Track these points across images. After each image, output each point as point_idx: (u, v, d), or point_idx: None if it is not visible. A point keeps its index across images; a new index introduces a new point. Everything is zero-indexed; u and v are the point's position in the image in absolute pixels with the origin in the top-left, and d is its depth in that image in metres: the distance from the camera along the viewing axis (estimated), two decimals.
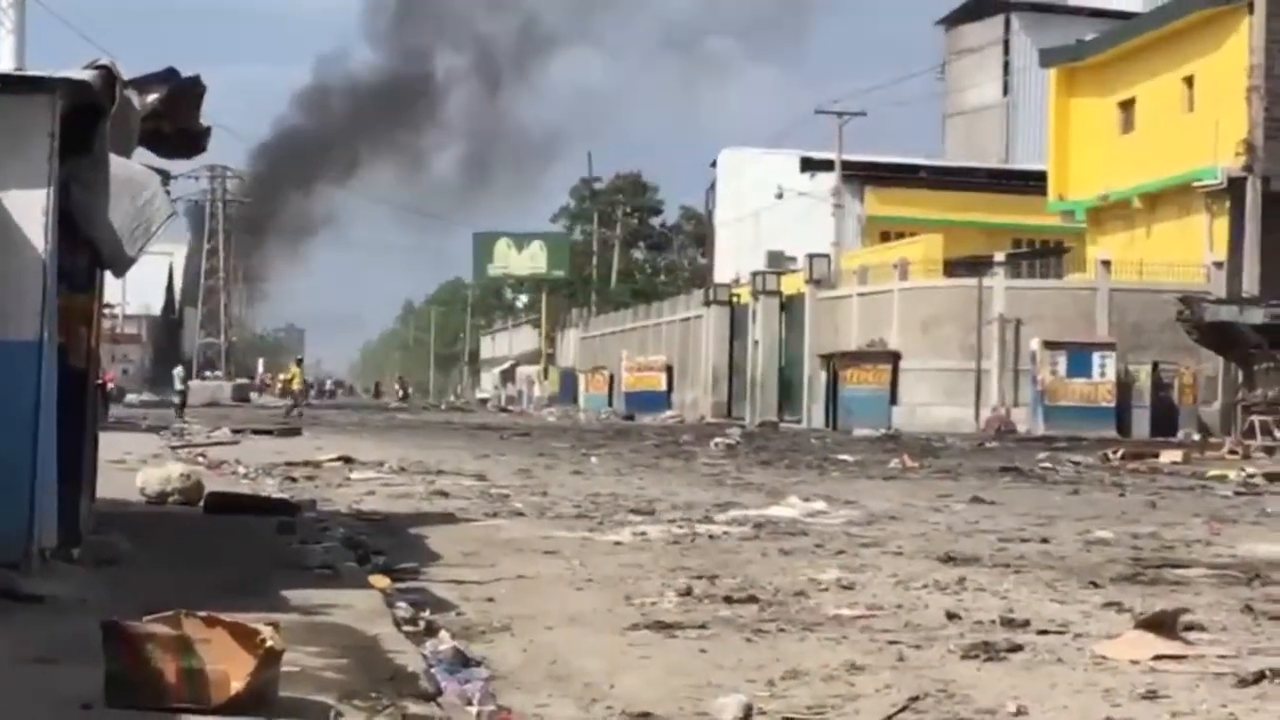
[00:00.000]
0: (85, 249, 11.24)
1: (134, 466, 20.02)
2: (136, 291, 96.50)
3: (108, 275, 12.55)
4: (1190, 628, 9.59)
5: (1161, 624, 9.26)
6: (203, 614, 6.54)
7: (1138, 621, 9.58)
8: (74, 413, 11.06)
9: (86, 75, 10.02)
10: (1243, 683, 7.94)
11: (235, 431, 39.70)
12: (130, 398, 73.84)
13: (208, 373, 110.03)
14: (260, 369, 59.05)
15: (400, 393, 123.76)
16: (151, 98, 11.61)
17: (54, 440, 10.12)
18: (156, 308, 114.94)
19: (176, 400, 59.38)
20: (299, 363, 72.18)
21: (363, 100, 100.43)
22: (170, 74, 11.90)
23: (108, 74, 10.10)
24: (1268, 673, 8.08)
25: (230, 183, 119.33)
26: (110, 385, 61.99)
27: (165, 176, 12.13)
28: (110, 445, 18.86)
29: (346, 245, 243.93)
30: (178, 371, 63.08)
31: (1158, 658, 8.58)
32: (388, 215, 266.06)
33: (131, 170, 11.01)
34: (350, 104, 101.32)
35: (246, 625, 6.51)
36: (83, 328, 11.67)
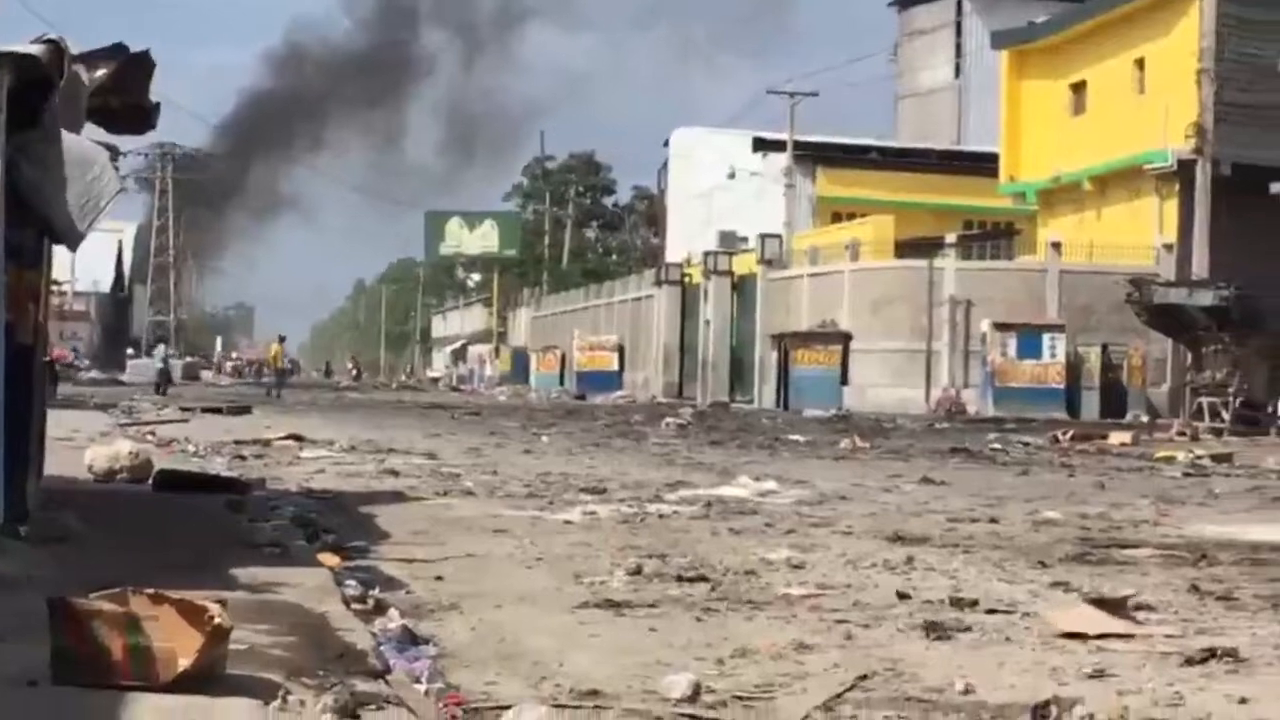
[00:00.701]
0: (33, 225, 11.16)
1: (82, 444, 19.92)
2: (85, 268, 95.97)
3: (56, 251, 12.48)
4: (1138, 607, 9.64)
5: (1111, 603, 9.30)
6: (150, 591, 6.52)
7: (1087, 599, 9.63)
8: (21, 390, 10.99)
9: (34, 49, 9.96)
10: (1189, 662, 7.98)
11: (185, 410, 39.53)
12: (79, 375, 73.39)
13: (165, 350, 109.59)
14: (218, 347, 58.03)
15: (353, 371, 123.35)
16: (100, 73, 11.54)
17: (0, 417, 10.06)
18: (105, 285, 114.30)
19: (157, 378, 59.35)
20: (281, 340, 71.27)
21: (335, 66, 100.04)
22: (119, 49, 11.82)
23: (55, 48, 10.04)
24: (1218, 651, 8.12)
25: (184, 158, 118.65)
26: (64, 362, 61.78)
27: (114, 152, 12.06)
28: (58, 423, 18.77)
29: (304, 224, 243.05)
30: (159, 350, 62.64)
31: (1105, 635, 8.62)
32: (350, 196, 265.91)
33: (80, 145, 10.94)
34: (322, 70, 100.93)
35: (194, 603, 6.49)
36: (30, 304, 11.59)
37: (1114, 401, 50.30)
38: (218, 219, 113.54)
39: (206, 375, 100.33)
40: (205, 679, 6.36)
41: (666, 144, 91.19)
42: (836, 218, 70.36)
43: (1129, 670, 7.89)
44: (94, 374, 78.86)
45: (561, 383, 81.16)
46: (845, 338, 54.66)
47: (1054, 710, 6.72)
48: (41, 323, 12.37)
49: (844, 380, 54.17)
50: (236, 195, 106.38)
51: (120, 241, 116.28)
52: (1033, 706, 6.80)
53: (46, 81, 10.13)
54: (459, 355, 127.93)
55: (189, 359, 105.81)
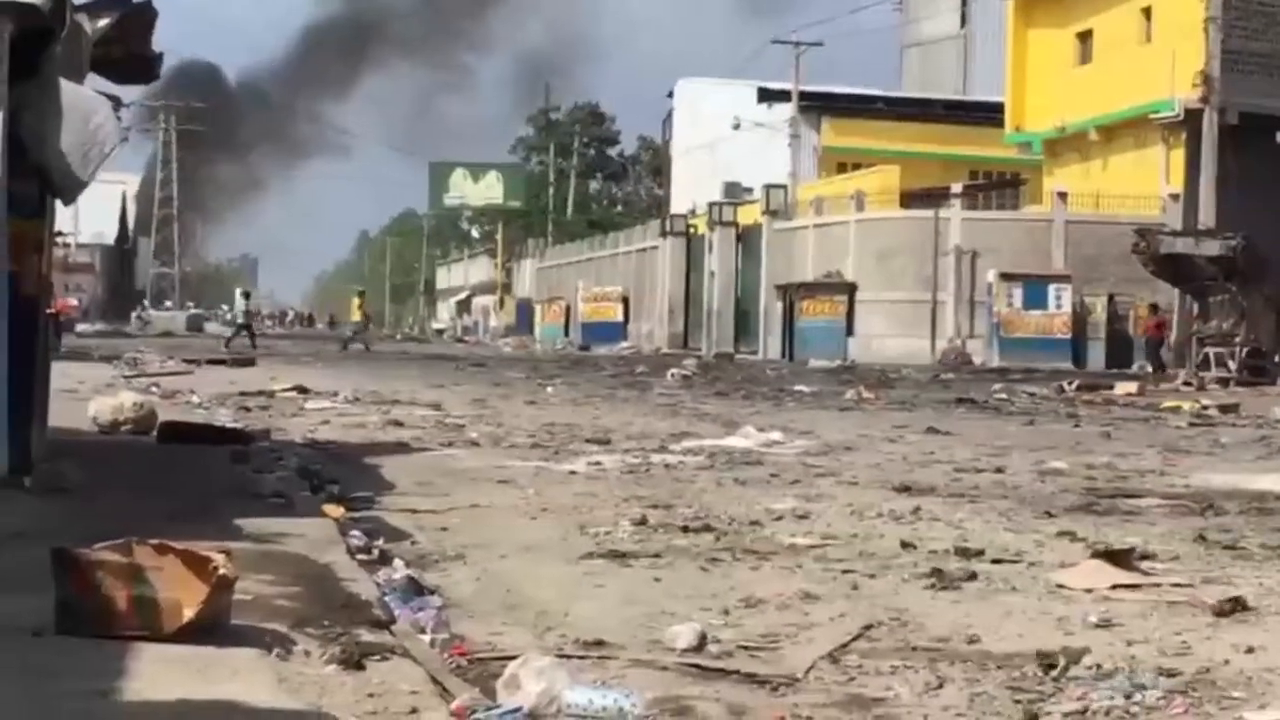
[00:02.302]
0: (35, 175, 11.12)
1: (87, 396, 19.90)
2: (89, 221, 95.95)
3: (59, 203, 12.45)
4: (1144, 557, 9.62)
5: (1118, 554, 9.29)
6: (154, 542, 6.50)
7: (1094, 551, 9.61)
8: (25, 341, 10.98)
9: None
10: (1219, 613, 7.94)
11: (189, 361, 39.51)
12: (82, 327, 73.36)
13: (168, 303, 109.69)
14: (240, 301, 56.75)
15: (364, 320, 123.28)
16: (102, 23, 11.49)
17: (4, 368, 10.05)
18: (109, 237, 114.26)
19: (232, 331, 59.15)
20: (361, 294, 70.23)
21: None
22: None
23: None
24: (1242, 601, 8.11)
25: (187, 110, 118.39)
26: (67, 313, 61.72)
27: (116, 103, 12.02)
28: (62, 375, 18.75)
29: (320, 173, 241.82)
30: (240, 302, 61.96)
31: (1114, 587, 8.60)
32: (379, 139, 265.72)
33: (81, 95, 10.89)
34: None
35: (198, 553, 6.47)
36: (34, 255, 11.56)
37: (1120, 352, 50.26)
38: (239, 166, 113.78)
39: (210, 326, 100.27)
40: (210, 629, 6.35)
41: (671, 95, 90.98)
42: (841, 168, 70.28)
43: (1135, 620, 7.87)
44: (99, 325, 78.87)
45: (566, 334, 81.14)
46: (850, 288, 54.62)
47: (1061, 660, 6.71)
48: (45, 274, 12.35)
49: (849, 331, 54.17)
50: (267, 138, 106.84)
51: (124, 194, 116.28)
52: (1039, 656, 6.79)
53: (48, 31, 10.09)
54: (463, 307, 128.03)
55: (193, 311, 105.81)
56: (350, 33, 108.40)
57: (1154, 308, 48.86)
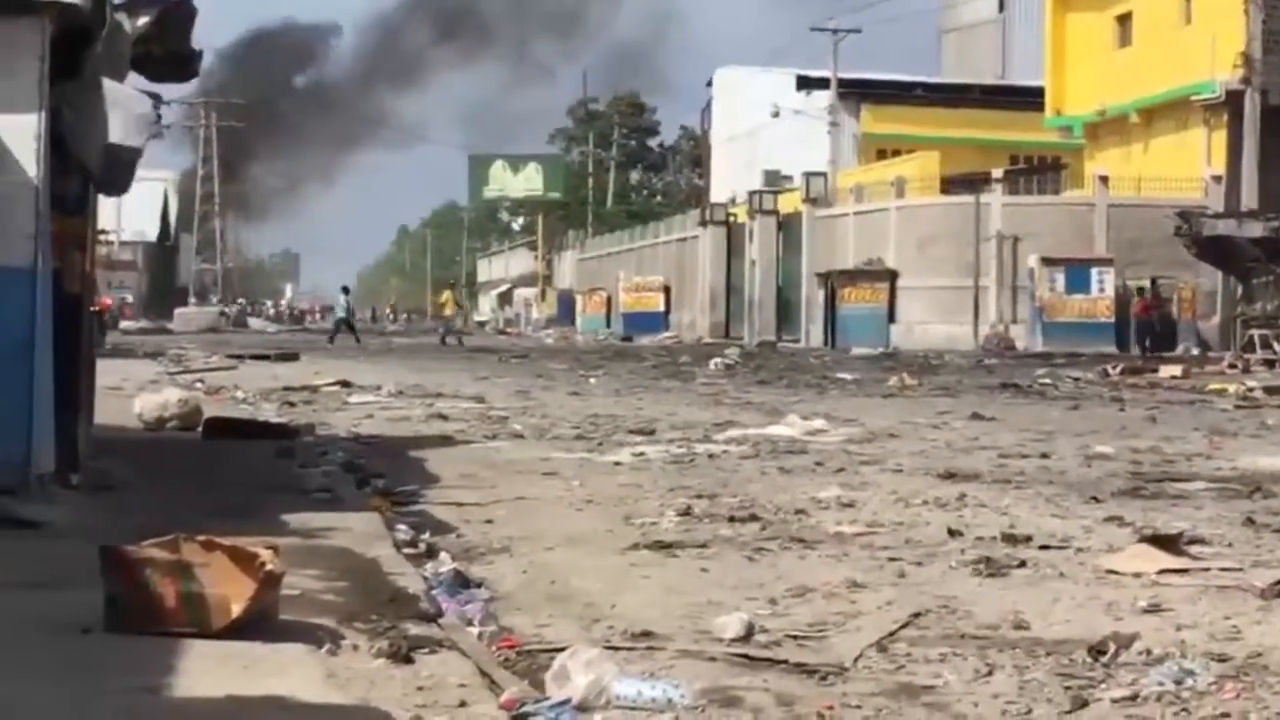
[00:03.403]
0: (77, 173, 11.17)
1: (132, 393, 19.98)
2: (131, 218, 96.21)
3: (101, 201, 12.49)
4: (1192, 541, 9.58)
5: (1165, 539, 9.25)
6: (201, 538, 6.52)
7: (1141, 536, 9.57)
8: (70, 339, 11.02)
9: None
10: (1268, 597, 7.89)
11: (233, 357, 39.61)
12: (125, 324, 73.61)
13: (213, 299, 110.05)
14: (341, 298, 56.70)
15: (391, 315, 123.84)
16: (142, 20, 11.52)
17: (50, 366, 10.09)
18: (151, 234, 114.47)
19: (334, 327, 59.99)
20: (452, 286, 70.76)
21: None
22: None
23: None
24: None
25: (227, 106, 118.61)
26: (110, 310, 61.94)
27: (157, 100, 12.05)
28: (107, 371, 18.82)
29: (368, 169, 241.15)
30: (342, 299, 62.75)
31: (1162, 572, 8.56)
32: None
33: (122, 93, 10.92)
34: None
35: (246, 549, 6.49)
36: (77, 253, 11.61)
37: (1164, 335, 50.03)
38: (286, 160, 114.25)
39: (254, 323, 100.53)
40: (258, 625, 6.37)
41: (710, 84, 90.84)
42: (881, 155, 70.06)
43: (1184, 604, 7.84)
44: (142, 323, 79.10)
45: (608, 324, 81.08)
46: (892, 275, 54.48)
47: (1111, 646, 6.68)
48: (89, 271, 12.40)
49: (891, 318, 54.04)
50: (322, 130, 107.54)
51: (165, 190, 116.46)
52: (1090, 642, 6.76)
53: (88, 30, 10.12)
54: (505, 299, 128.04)
55: (238, 307, 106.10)
56: (440, 18, 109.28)
57: (1142, 290, 48.39)
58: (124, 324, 72.26)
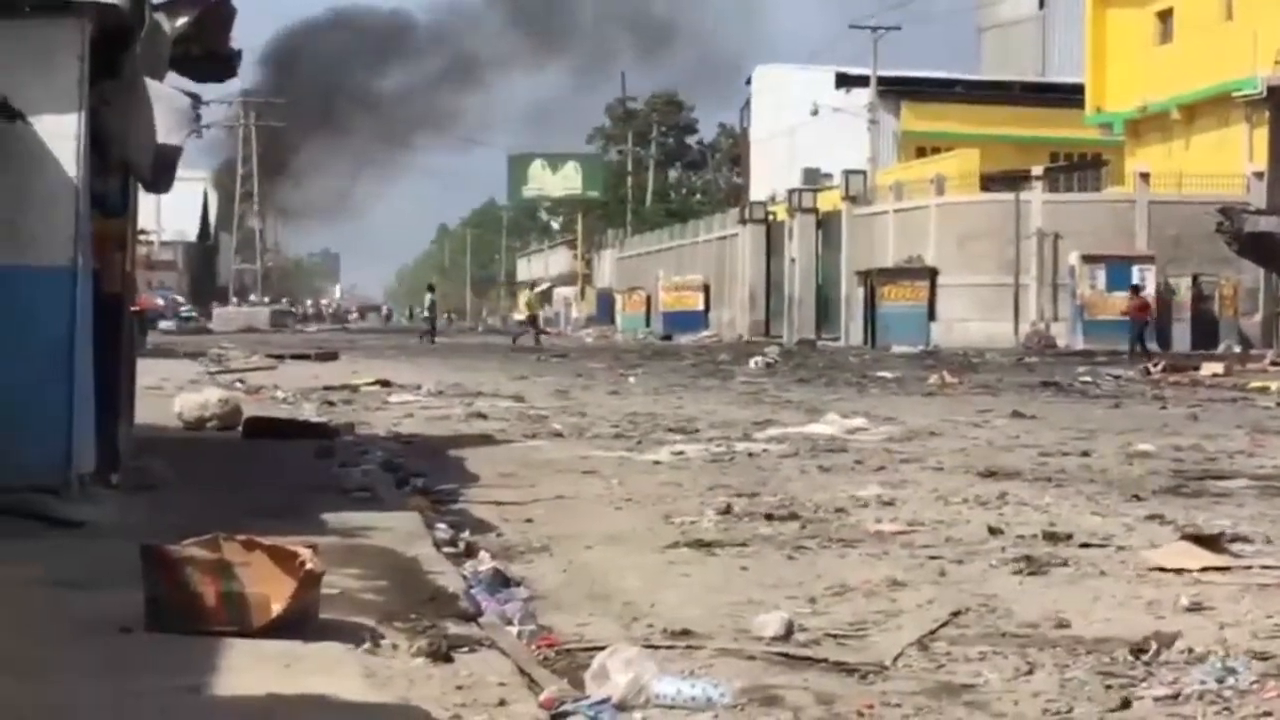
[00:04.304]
0: (117, 173, 11.20)
1: (172, 393, 20.04)
2: (171, 217, 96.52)
3: (141, 200, 12.53)
4: (1234, 539, 9.53)
5: (1207, 537, 9.21)
6: (242, 537, 6.54)
7: (1183, 534, 9.53)
8: (110, 339, 11.05)
9: None
10: None
11: (273, 356, 39.70)
12: (165, 324, 73.77)
13: (253, 297, 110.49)
14: (427, 297, 57.22)
15: (427, 315, 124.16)
16: (181, 20, 11.55)
17: (91, 366, 10.12)
18: (191, 234, 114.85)
19: (430, 325, 60.95)
20: (533, 287, 71.33)
21: None
22: None
23: None
24: None
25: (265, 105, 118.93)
26: (152, 311, 62.18)
27: (196, 100, 12.08)
28: (147, 371, 18.88)
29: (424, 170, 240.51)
30: (428, 298, 63.77)
31: (1204, 570, 8.52)
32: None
33: (162, 93, 10.95)
34: None
35: (286, 548, 6.50)
36: (117, 253, 11.65)
37: (1206, 332, 49.83)
38: (339, 157, 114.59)
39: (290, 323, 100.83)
40: (298, 624, 6.38)
41: (749, 82, 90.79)
42: (921, 152, 69.95)
43: (1227, 603, 7.80)
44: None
45: (647, 323, 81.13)
46: (932, 273, 54.38)
47: (1153, 645, 6.65)
48: (129, 271, 12.43)
49: (931, 316, 53.94)
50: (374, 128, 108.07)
51: (205, 190, 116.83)
52: (1132, 644, 6.73)
53: (128, 30, 10.14)
54: (544, 298, 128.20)
55: (276, 306, 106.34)
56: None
57: (1135, 289, 47.97)
58: (162, 324, 72.41)
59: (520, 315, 68.16)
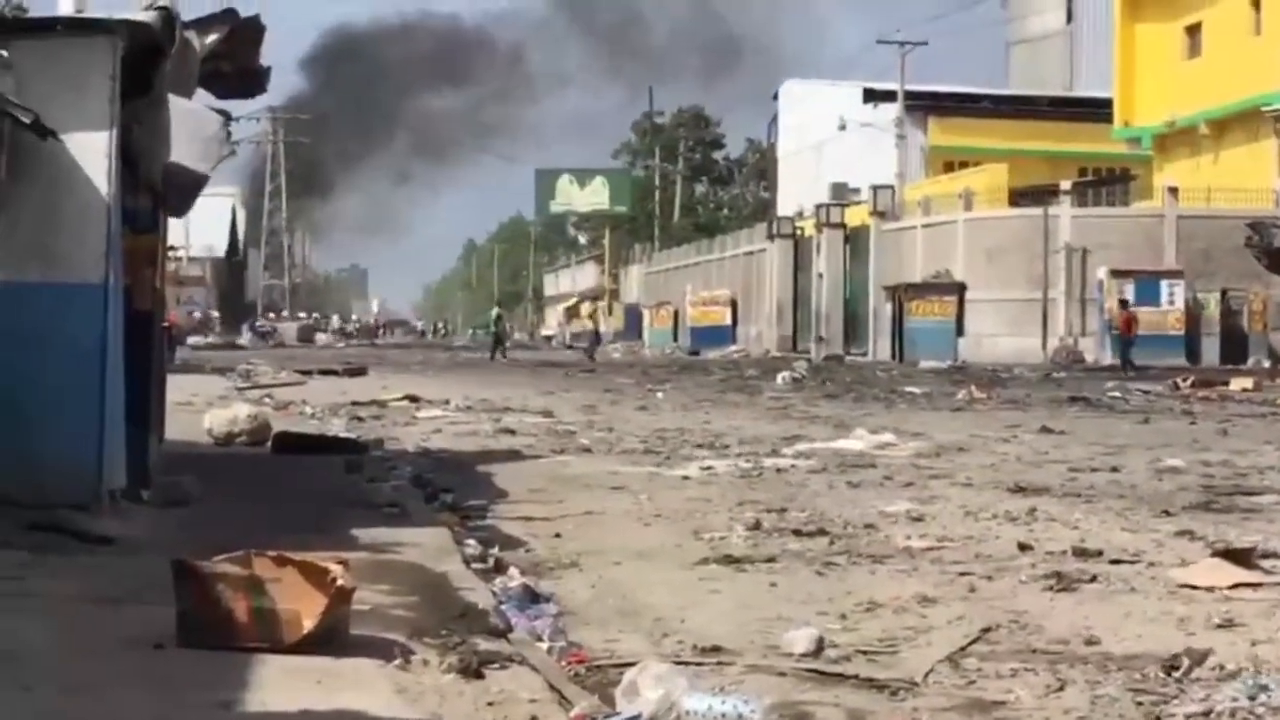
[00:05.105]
0: (148, 190, 11.24)
1: (201, 408, 20.09)
2: (199, 233, 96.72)
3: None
4: (1266, 555, 9.50)
5: (1238, 553, 9.18)
6: (272, 553, 6.55)
7: (1214, 550, 9.50)
8: (140, 354, 11.08)
9: (146, 16, 10.01)
10: None
11: (301, 372, 39.74)
12: (194, 340, 73.84)
13: (285, 313, 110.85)
14: (375, 307, 58.34)
15: (442, 331, 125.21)
16: (211, 38, 11.60)
17: (121, 382, 10.15)
18: (219, 250, 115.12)
19: (496, 341, 61.44)
20: (594, 300, 71.83)
21: None
22: (229, 14, 11.89)
23: (167, 14, 10.10)
24: None
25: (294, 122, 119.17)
26: (180, 327, 62.37)
27: (226, 117, 12.12)
28: (177, 387, 18.93)
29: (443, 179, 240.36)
30: (493, 312, 64.53)
31: (1235, 586, 8.50)
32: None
33: (192, 110, 10.99)
34: None
35: (316, 564, 6.51)
36: (147, 269, 11.69)
37: (1235, 347, 49.68)
38: (372, 171, 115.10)
39: (320, 338, 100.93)
40: (329, 640, 6.39)
41: (776, 97, 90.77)
42: (949, 167, 69.83)
43: (1258, 619, 7.78)
44: (210, 338, 79.42)
45: (675, 338, 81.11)
46: (960, 288, 54.29)
47: (1184, 661, 6.63)
48: (159, 288, 12.47)
49: (959, 331, 53.84)
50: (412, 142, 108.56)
51: (233, 206, 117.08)
52: (1163, 660, 6.71)
53: (158, 48, 10.18)
54: (572, 313, 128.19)
55: (303, 322, 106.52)
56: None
57: (1123, 303, 47.64)
58: (191, 339, 72.46)
59: (577, 329, 68.47)
